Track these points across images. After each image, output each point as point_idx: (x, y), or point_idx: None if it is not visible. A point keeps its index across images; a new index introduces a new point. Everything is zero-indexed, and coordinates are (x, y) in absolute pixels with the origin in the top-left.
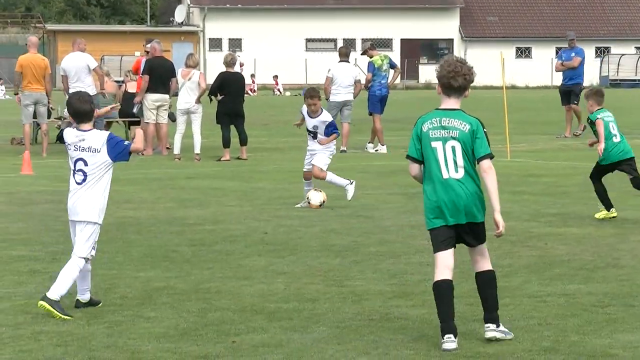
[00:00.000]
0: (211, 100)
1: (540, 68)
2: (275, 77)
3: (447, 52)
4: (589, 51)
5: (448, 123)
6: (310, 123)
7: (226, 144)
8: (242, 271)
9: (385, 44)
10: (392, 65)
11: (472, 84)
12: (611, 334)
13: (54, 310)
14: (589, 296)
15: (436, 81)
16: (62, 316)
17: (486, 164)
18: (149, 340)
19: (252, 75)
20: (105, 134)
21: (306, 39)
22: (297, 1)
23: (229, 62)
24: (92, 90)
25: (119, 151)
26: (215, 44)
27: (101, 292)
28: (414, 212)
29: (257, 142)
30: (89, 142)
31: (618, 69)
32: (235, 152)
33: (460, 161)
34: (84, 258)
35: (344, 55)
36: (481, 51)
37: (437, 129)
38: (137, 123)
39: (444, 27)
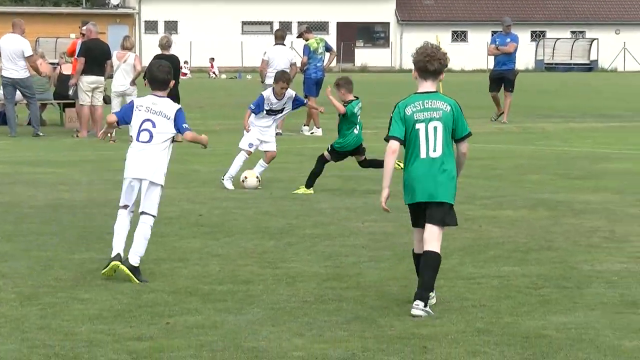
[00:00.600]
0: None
1: (476, 52)
2: (212, 59)
3: (383, 36)
4: (525, 35)
5: (431, 105)
6: (278, 104)
7: None
8: (176, 253)
9: (322, 27)
10: (328, 49)
11: (410, 68)
12: (544, 315)
13: (132, 276)
14: (522, 278)
15: (372, 64)
16: (139, 281)
17: (465, 147)
18: (82, 322)
19: (185, 62)
20: (177, 106)
21: (242, 22)
22: None
23: (165, 44)
24: (24, 74)
25: (181, 123)
26: (151, 26)
27: (35, 274)
28: (350, 194)
29: (192, 124)
30: (160, 107)
31: (553, 53)
32: None
33: (440, 141)
34: (153, 216)
35: (280, 38)
36: (417, 35)
37: (421, 111)
38: (72, 105)
39: (380, 10)
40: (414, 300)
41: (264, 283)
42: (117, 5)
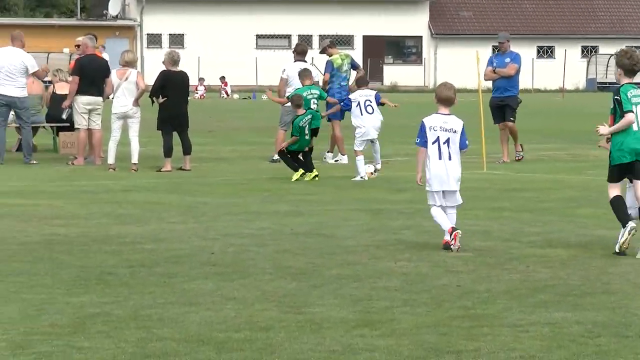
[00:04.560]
0: (153, 102)
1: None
2: (222, 78)
3: (415, 51)
4: (575, 51)
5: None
6: None
7: (168, 152)
8: (186, 296)
9: (346, 41)
10: (354, 66)
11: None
12: None
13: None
14: (576, 326)
15: (403, 83)
16: None
17: None
18: None
19: (201, 80)
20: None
21: (257, 36)
22: None
23: (175, 59)
24: (23, 93)
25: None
26: (154, 40)
27: (28, 319)
28: (379, 230)
29: (202, 150)
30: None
31: (607, 70)
32: (177, 162)
33: None
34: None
35: (301, 54)
36: (453, 50)
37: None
38: (68, 129)
39: (411, 23)
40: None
41: (285, 330)
42: (116, 16)
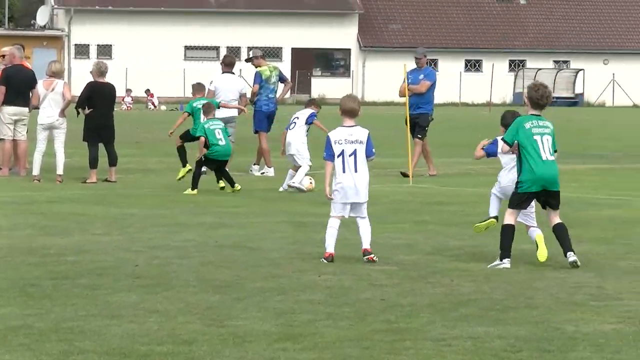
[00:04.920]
0: (78, 113)
1: (448, 82)
2: (147, 91)
3: (343, 64)
4: (502, 65)
5: None
6: None
7: (93, 164)
8: (109, 308)
9: (274, 53)
10: (282, 79)
11: (373, 99)
12: None
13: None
14: (498, 340)
15: (331, 95)
16: None
17: None
18: None
19: (129, 91)
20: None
21: (185, 47)
22: (175, 3)
23: (100, 71)
24: None
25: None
26: (82, 50)
27: None
28: (304, 243)
29: (129, 162)
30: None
31: None
32: (103, 173)
33: None
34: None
35: (228, 66)
36: (382, 62)
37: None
38: None
39: (340, 35)
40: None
41: (208, 343)
42: (44, 26)
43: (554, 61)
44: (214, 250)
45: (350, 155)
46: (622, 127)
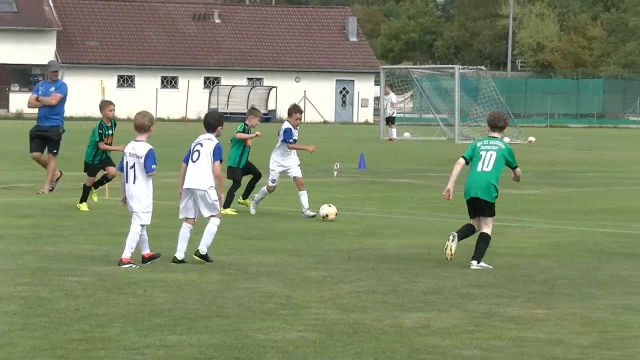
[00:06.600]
0: None
1: (144, 98)
2: None
3: (41, 79)
4: (198, 82)
5: None
6: (295, 134)
7: None
8: None
9: None
10: None
11: (70, 114)
12: None
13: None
14: (190, 348)
15: (29, 111)
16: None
17: None
18: None
19: None
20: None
21: None
22: None
23: None
24: None
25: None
26: None
27: None
28: (0, 255)
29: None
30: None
31: (228, 101)
32: None
33: None
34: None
35: None
36: (81, 78)
37: None
38: None
39: (39, 51)
40: None
41: None
42: None
43: (248, 78)
44: None
45: (130, 168)
46: (316, 141)
